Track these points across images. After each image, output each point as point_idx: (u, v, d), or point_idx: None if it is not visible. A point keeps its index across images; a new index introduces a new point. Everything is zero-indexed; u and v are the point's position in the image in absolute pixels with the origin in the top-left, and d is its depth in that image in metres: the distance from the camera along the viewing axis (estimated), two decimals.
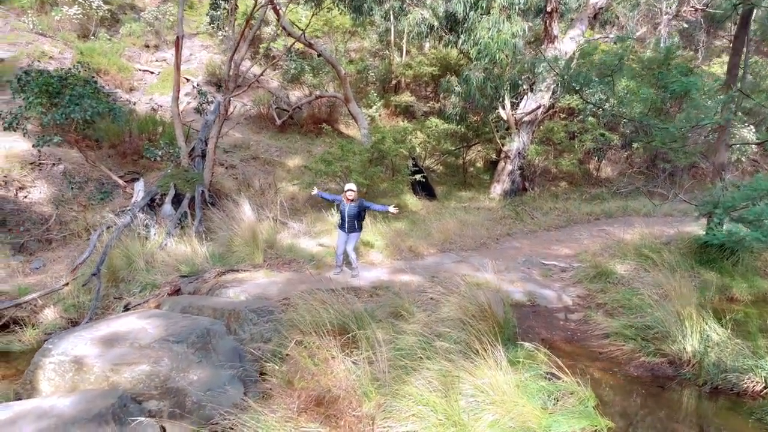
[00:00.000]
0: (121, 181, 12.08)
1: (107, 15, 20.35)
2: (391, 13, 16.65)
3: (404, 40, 20.59)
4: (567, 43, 14.87)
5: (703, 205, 8.44)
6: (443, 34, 15.50)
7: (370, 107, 18.25)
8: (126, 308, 7.66)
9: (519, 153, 15.42)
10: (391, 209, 8.46)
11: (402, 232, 11.20)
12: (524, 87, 15.25)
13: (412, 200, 14.21)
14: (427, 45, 21.34)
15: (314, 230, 11.37)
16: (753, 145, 16.59)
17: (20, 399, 4.83)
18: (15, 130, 10.41)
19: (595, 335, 6.91)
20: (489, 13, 13.48)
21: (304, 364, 4.56)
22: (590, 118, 16.47)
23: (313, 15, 15.68)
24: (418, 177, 14.05)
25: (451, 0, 13.98)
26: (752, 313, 7.43)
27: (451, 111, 15.98)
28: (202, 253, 9.22)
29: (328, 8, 16.54)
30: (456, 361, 4.88)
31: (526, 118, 15.24)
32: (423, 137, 16.30)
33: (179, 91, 12.41)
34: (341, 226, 8.53)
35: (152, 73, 18.90)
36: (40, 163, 11.90)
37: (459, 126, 16.46)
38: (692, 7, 20.97)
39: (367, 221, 10.77)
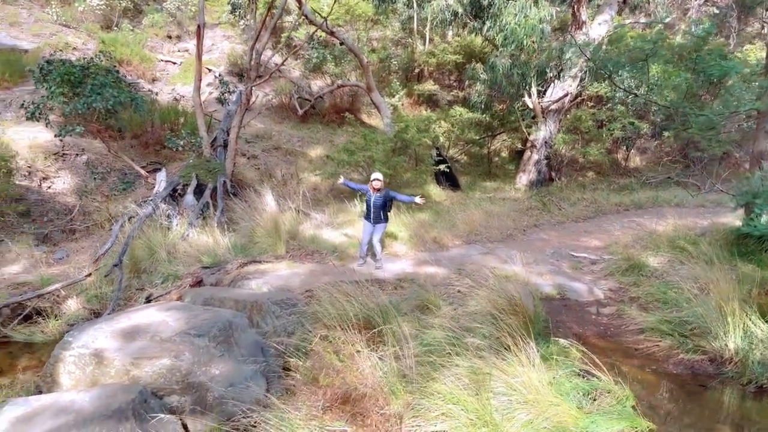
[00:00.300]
0: (143, 172, 12.04)
1: (130, 6, 20.40)
2: (414, 0, 16.35)
3: (427, 28, 20.21)
4: (595, 28, 14.44)
5: (742, 195, 8.02)
6: (467, 20, 15.14)
7: (393, 96, 17.98)
8: (148, 299, 7.59)
9: (545, 142, 15.07)
10: (418, 200, 8.21)
11: (426, 223, 10.98)
12: (551, 74, 14.84)
13: (435, 190, 13.98)
14: (450, 33, 20.94)
15: (337, 221, 11.22)
16: None
17: (41, 392, 4.75)
18: (38, 120, 10.40)
19: (629, 330, 6.62)
20: None
21: (329, 359, 4.38)
22: (619, 106, 16.00)
23: (335, 2, 15.44)
24: (442, 167, 13.78)
25: None
26: None
27: (476, 99, 15.66)
28: (224, 244, 9.12)
29: None
30: (486, 357, 4.66)
31: (552, 107, 14.87)
32: (447, 126, 15.99)
33: (201, 80, 12.30)
34: (367, 217, 8.35)
35: (174, 63, 18.87)
36: (63, 154, 11.91)
37: (484, 115, 16.12)
38: None
39: (391, 213, 10.59)
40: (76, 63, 10.72)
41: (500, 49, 13.71)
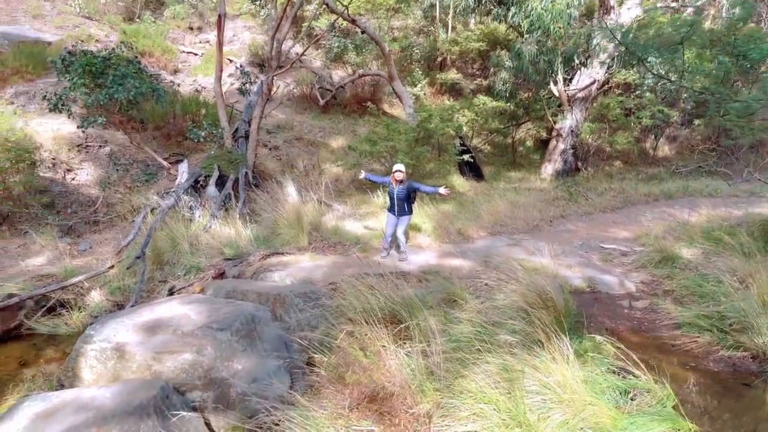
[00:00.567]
0: (165, 163, 12.01)
1: None
2: None
3: (449, 16, 19.88)
4: (624, 13, 13.98)
5: None
6: (491, 7, 14.84)
7: (415, 85, 17.73)
8: (171, 292, 7.52)
9: (572, 131, 14.71)
10: (442, 190, 7.93)
11: (450, 215, 10.77)
12: (578, 61, 14.46)
13: (459, 181, 13.74)
14: (472, 21, 20.59)
15: (359, 212, 11.06)
16: None
17: (62, 386, 4.69)
18: (60, 112, 10.39)
19: (664, 325, 6.35)
20: None
21: (356, 356, 4.22)
22: (648, 94, 15.55)
23: None
24: (466, 157, 13.52)
25: None
26: None
27: (501, 87, 15.34)
28: (246, 236, 9.02)
29: None
30: (518, 354, 4.47)
31: (579, 95, 14.50)
32: (470, 116, 15.69)
33: (222, 71, 12.20)
34: (390, 209, 8.16)
35: (196, 54, 18.85)
36: (86, 146, 11.92)
37: (508, 103, 15.79)
38: None
39: (414, 204, 10.39)
40: (97, 54, 10.68)
41: (526, 36, 13.38)
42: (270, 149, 14.25)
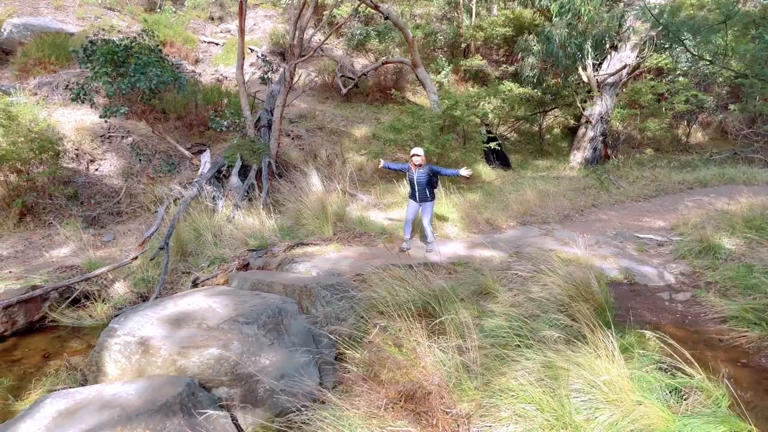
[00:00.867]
0: (187, 153, 11.90)
1: None
2: None
3: (473, 1, 19.44)
4: None
5: None
6: None
7: (439, 73, 17.37)
8: (194, 283, 7.38)
9: (601, 117, 14.28)
10: (463, 171, 7.53)
11: (477, 204, 10.48)
12: (608, 45, 14.00)
13: (485, 170, 13.42)
14: (495, 7, 20.10)
15: (383, 202, 10.84)
16: None
17: (86, 380, 4.56)
18: (82, 102, 10.31)
19: (710, 319, 6.01)
20: None
21: (390, 352, 3.99)
22: (681, 78, 15.02)
23: None
24: (492, 145, 13.18)
25: None
26: None
27: (529, 73, 14.91)
28: (270, 226, 8.84)
29: None
30: (561, 350, 4.20)
31: (609, 80, 14.06)
32: (497, 103, 15.31)
33: (244, 58, 12.03)
34: (412, 196, 7.85)
35: (217, 44, 18.72)
36: (109, 136, 11.86)
37: (535, 90, 15.36)
38: None
39: (441, 192, 10.12)
40: (119, 42, 10.56)
41: (555, 19, 12.96)
42: (292, 138, 14.07)
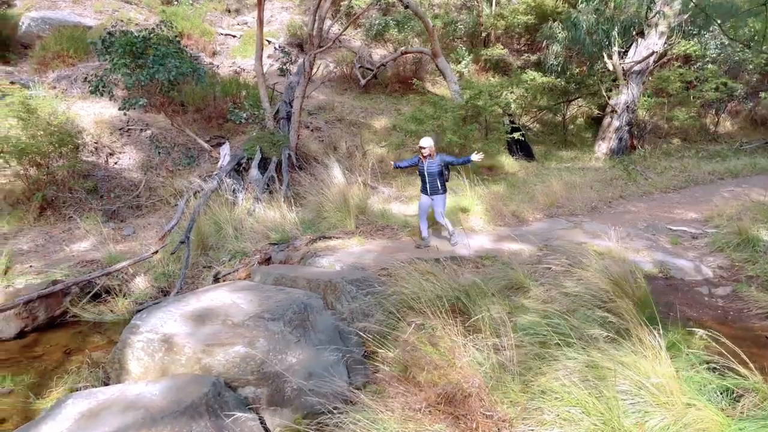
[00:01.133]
0: (206, 146, 11.77)
1: None
2: None
3: None
4: None
5: None
6: None
7: (459, 63, 17.03)
8: (216, 278, 7.24)
9: (627, 107, 13.88)
10: (474, 157, 7.25)
11: (502, 196, 10.22)
12: (635, 32, 13.58)
13: (509, 161, 13.12)
14: None
15: (405, 195, 10.63)
16: None
17: (109, 378, 4.42)
18: (101, 94, 10.21)
19: (754, 315, 5.73)
20: None
21: (425, 351, 3.78)
22: (710, 65, 14.55)
23: None
24: (516, 135, 12.87)
25: None
26: None
27: (553, 61, 14.53)
28: (291, 219, 8.67)
29: None
30: (603, 348, 3.97)
31: (636, 68, 13.64)
32: (519, 92, 14.95)
33: (263, 49, 11.85)
34: (423, 189, 7.55)
35: (234, 36, 18.57)
36: (128, 129, 11.76)
37: (559, 79, 14.97)
38: None
39: (464, 184, 9.87)
40: (137, 33, 10.43)
41: (580, 6, 12.57)
42: (312, 130, 13.89)
